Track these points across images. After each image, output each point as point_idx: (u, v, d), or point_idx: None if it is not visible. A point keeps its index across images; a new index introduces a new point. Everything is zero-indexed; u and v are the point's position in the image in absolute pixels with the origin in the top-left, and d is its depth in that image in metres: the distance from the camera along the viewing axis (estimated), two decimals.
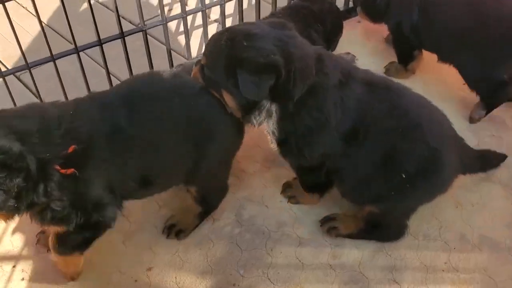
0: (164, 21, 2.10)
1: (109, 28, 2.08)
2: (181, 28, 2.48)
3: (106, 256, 1.61)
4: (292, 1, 2.39)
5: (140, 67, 2.01)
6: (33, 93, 2.09)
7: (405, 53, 2.25)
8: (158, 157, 1.46)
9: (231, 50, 1.38)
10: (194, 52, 2.40)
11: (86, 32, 2.11)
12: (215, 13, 2.63)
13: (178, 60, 2.31)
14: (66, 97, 1.98)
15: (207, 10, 2.23)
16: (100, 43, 1.97)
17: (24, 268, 1.60)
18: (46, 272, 1.57)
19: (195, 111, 1.48)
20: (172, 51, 2.22)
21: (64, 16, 1.80)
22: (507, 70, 1.96)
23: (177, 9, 2.56)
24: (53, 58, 1.90)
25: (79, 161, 1.32)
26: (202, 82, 1.49)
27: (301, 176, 1.69)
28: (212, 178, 1.62)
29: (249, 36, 1.39)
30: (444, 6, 2.01)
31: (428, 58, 2.21)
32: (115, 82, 2.16)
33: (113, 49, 2.09)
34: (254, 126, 1.50)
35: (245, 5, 2.38)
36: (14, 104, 1.88)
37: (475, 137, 2.00)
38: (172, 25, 2.56)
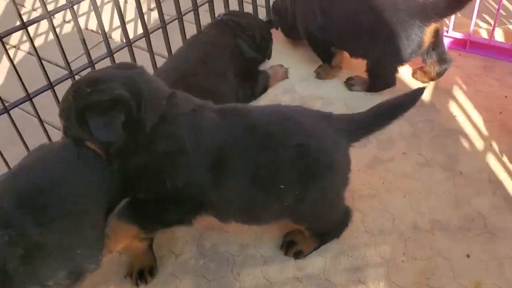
0: (91, 64, 2.08)
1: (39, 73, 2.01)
2: None
3: None
4: (218, 17, 2.43)
5: None
6: None
7: (324, 53, 2.36)
8: None
9: (77, 101, 1.38)
10: None
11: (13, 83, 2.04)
12: None
13: None
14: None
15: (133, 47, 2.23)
16: (29, 97, 1.93)
17: None
18: None
19: None
20: None
21: None
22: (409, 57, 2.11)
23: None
24: None
25: None
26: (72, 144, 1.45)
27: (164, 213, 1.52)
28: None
29: (92, 82, 1.40)
30: (341, 4, 2.14)
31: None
32: (52, 131, 2.12)
33: (45, 97, 2.03)
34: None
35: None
36: None
37: (409, 124, 2.10)
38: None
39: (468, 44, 2.43)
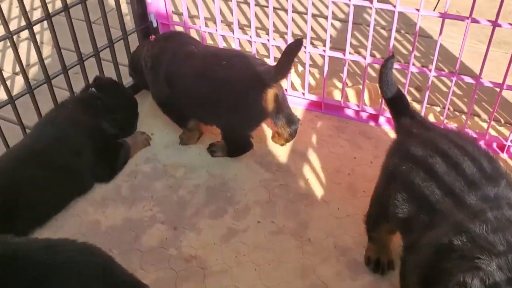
0: (11, 100, 2.00)
1: None
2: None
3: None
4: (85, 90, 2.39)
5: None
6: None
7: (177, 118, 2.42)
8: None
9: None
10: None
11: None
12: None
13: None
14: None
15: None
16: None
17: None
18: None
19: None
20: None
21: None
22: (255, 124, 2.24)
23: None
24: None
25: None
26: None
27: None
28: None
29: None
30: (182, 78, 2.22)
31: None
32: None
33: None
34: None
35: None
36: None
37: (266, 189, 2.18)
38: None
39: (323, 106, 2.58)
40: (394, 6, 2.12)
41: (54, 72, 2.34)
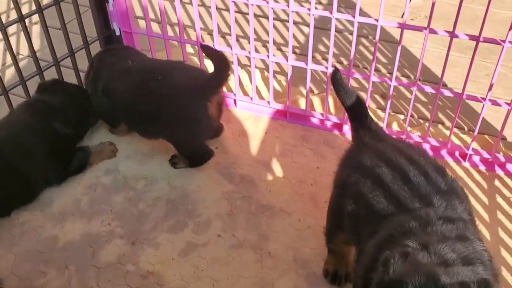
0: None
1: None
2: None
3: None
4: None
5: None
6: None
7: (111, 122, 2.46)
8: None
9: None
10: None
11: None
12: None
13: None
14: None
15: None
16: None
17: None
18: None
19: None
20: None
21: None
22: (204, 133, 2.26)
23: None
24: None
25: None
26: None
27: None
28: None
29: None
30: (122, 93, 2.23)
31: None
32: None
33: None
34: None
35: None
36: None
37: (228, 202, 2.16)
38: None
39: (288, 115, 2.56)
40: (353, 17, 2.11)
41: (11, 84, 2.30)
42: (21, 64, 2.58)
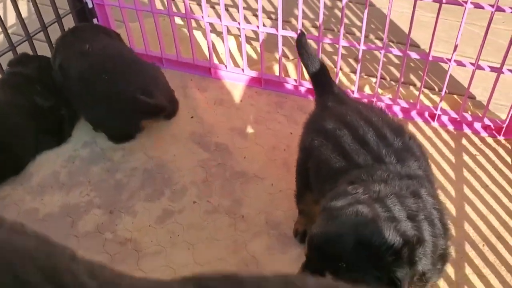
0: None
1: None
2: None
3: None
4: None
5: None
6: None
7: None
8: None
9: None
10: None
11: None
12: None
13: None
14: None
15: None
16: None
17: None
18: None
19: None
20: None
21: None
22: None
23: None
24: None
25: None
26: None
27: None
28: None
29: None
30: (70, 77, 2.28)
31: None
32: None
33: None
34: None
35: None
36: None
37: (203, 169, 2.22)
38: None
39: (262, 82, 2.59)
40: None
41: None
42: None
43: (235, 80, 2.64)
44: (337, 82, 2.41)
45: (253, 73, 2.59)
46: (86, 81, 2.21)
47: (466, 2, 1.94)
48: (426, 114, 2.35)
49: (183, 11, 2.76)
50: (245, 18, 3.16)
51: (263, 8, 3.22)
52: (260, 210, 2.06)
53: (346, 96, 1.87)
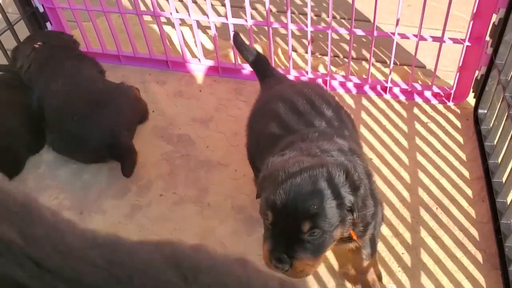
0: None
1: None
2: None
3: None
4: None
5: None
6: None
7: None
8: None
9: None
10: None
11: None
12: None
13: None
14: None
15: None
16: None
17: None
18: None
19: None
20: None
21: None
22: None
23: None
24: None
25: None
26: None
27: None
28: None
29: None
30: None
31: None
32: None
33: None
34: None
35: None
36: None
37: (167, 162, 2.28)
38: None
39: (220, 70, 2.64)
40: None
41: None
42: None
43: (193, 71, 2.69)
44: (291, 64, 2.48)
45: (210, 62, 2.64)
46: (57, 117, 2.25)
47: None
48: (379, 87, 2.44)
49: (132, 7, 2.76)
50: (199, 8, 3.19)
51: None
52: (225, 196, 2.14)
53: (284, 76, 2.02)
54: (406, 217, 1.98)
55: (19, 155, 2.30)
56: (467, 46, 2.15)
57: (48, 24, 2.73)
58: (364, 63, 2.66)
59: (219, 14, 3.06)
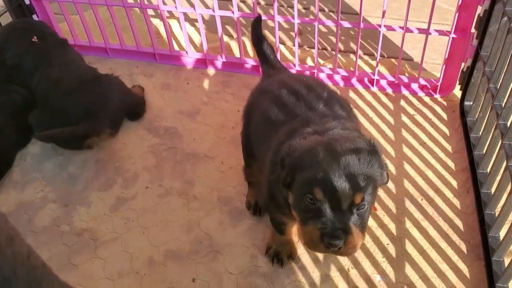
0: None
1: None
2: None
3: None
4: None
5: None
6: None
7: None
8: None
9: None
10: None
11: None
12: None
13: None
14: None
15: None
16: None
17: None
18: None
19: None
20: None
21: None
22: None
23: None
24: None
25: None
26: None
27: None
28: None
29: None
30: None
31: None
32: None
33: None
34: None
35: None
36: None
37: (154, 154, 2.27)
38: None
39: (207, 62, 2.63)
40: None
41: None
42: None
43: (181, 63, 2.68)
44: (278, 56, 2.47)
45: (198, 55, 2.63)
46: (45, 95, 2.27)
47: None
48: (366, 80, 2.44)
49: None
50: (189, 2, 3.17)
51: None
52: (211, 188, 2.13)
53: (282, 67, 2.05)
54: (391, 208, 1.98)
55: (7, 154, 2.29)
56: (452, 38, 2.15)
57: (34, 16, 2.71)
58: (352, 55, 2.66)
59: (208, 8, 3.05)
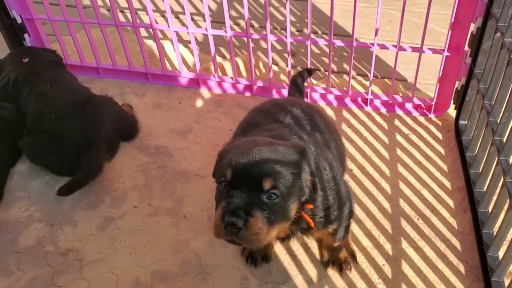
0: None
1: None
2: None
3: None
4: None
5: None
6: None
7: None
8: None
9: None
10: None
11: None
12: None
13: None
14: None
15: None
16: None
17: None
18: None
19: None
20: None
21: None
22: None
23: None
24: None
25: None
26: None
27: None
28: None
29: None
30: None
31: None
32: None
33: None
34: None
35: None
36: None
37: (143, 173, 2.22)
38: None
39: (200, 82, 2.61)
40: None
41: None
42: None
43: (173, 83, 2.66)
44: (270, 75, 2.46)
45: (191, 75, 2.61)
46: (37, 117, 2.23)
47: None
48: (359, 99, 2.42)
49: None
50: (181, 23, 3.18)
51: (198, 10, 3.25)
52: (201, 208, 2.07)
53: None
54: (386, 228, 1.93)
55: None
56: (446, 56, 2.14)
57: (26, 36, 2.69)
58: (345, 76, 2.65)
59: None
